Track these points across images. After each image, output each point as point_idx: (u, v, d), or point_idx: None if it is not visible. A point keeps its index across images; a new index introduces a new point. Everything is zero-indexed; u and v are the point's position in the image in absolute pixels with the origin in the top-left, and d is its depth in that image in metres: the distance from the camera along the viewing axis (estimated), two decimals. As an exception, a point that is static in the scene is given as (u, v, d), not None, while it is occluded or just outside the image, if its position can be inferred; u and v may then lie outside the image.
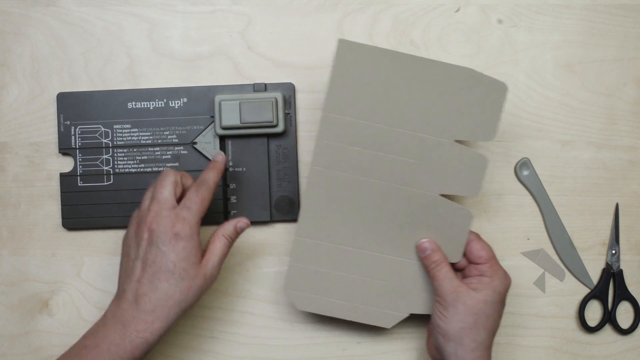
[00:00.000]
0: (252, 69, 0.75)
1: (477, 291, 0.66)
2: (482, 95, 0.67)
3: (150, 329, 0.63)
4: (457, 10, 0.76)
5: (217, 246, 0.66)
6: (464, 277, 0.69)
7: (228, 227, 0.67)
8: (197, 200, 0.65)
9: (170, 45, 0.76)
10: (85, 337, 0.65)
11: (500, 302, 0.67)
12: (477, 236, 0.69)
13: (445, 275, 0.67)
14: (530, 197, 0.76)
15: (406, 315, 0.71)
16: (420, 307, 0.71)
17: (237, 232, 0.67)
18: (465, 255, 0.69)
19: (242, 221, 0.68)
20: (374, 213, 0.69)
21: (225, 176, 0.74)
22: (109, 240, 0.75)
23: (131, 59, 0.75)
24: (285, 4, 0.76)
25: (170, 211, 0.64)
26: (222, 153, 0.71)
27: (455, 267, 0.69)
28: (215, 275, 0.66)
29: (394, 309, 0.71)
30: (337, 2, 0.76)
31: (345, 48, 0.66)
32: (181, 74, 0.75)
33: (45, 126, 0.75)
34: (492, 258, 0.68)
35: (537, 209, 0.76)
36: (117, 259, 0.74)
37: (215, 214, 0.73)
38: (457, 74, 0.66)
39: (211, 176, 0.67)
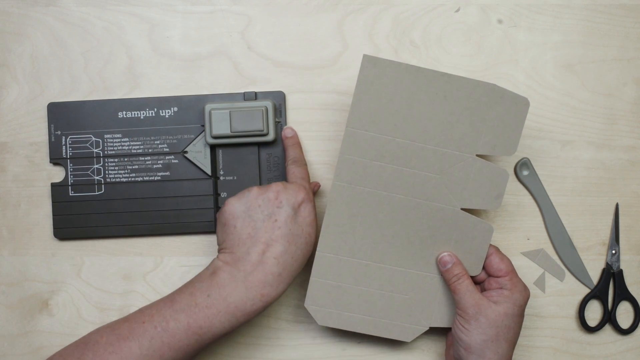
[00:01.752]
0: (252, 69, 0.75)
1: (498, 304, 0.66)
2: (504, 110, 0.67)
3: (274, 293, 0.64)
4: (457, 10, 0.76)
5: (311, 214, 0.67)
6: (484, 290, 0.70)
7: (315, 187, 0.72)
8: (304, 172, 0.70)
9: (170, 45, 0.76)
10: (192, 293, 0.64)
11: (520, 315, 0.67)
12: (497, 249, 0.70)
13: (467, 289, 0.67)
14: (530, 197, 0.76)
15: (426, 328, 0.71)
16: (440, 321, 0.71)
17: (314, 192, 0.72)
18: (484, 268, 0.70)
19: (314, 183, 0.73)
20: (395, 227, 0.69)
21: (216, 185, 0.74)
22: (108, 241, 0.75)
23: (131, 59, 0.75)
24: (285, 4, 0.76)
25: (291, 183, 0.67)
26: (290, 127, 0.74)
27: (474, 280, 0.70)
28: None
29: (414, 322, 0.71)
30: (337, 2, 0.76)
31: (370, 63, 0.66)
32: (181, 74, 0.75)
33: (46, 126, 0.75)
34: (512, 271, 0.68)
35: (537, 209, 0.76)
36: (117, 259, 0.75)
37: (205, 223, 0.74)
38: (479, 89, 0.67)
39: (298, 153, 0.73)
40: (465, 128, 0.68)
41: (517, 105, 0.68)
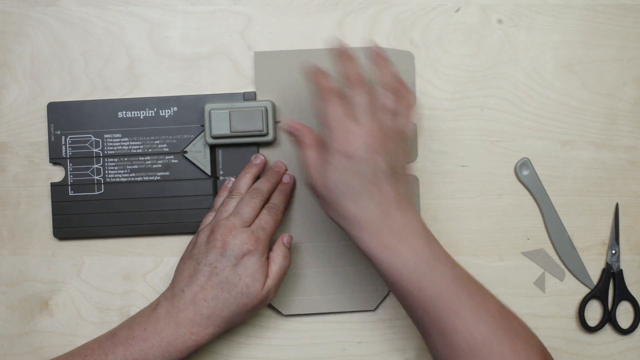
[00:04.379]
0: (252, 69, 0.75)
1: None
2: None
3: (203, 334, 0.65)
4: (457, 10, 0.76)
5: (274, 269, 0.68)
6: None
7: (279, 247, 0.69)
8: (272, 223, 0.68)
9: (170, 45, 0.76)
10: (131, 327, 0.66)
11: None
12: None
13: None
14: (530, 197, 0.76)
15: (386, 293, 0.74)
16: None
17: (288, 248, 0.70)
18: None
19: (285, 236, 0.70)
20: None
21: (216, 185, 0.74)
22: (108, 241, 0.75)
23: (131, 59, 0.75)
24: (285, 4, 0.76)
25: (247, 228, 0.67)
26: (289, 175, 0.73)
27: None
28: (271, 298, 0.68)
29: (373, 290, 0.74)
30: (337, 2, 0.76)
31: (262, 59, 0.74)
32: (181, 74, 0.75)
33: (46, 126, 0.75)
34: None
35: (537, 209, 0.76)
36: (117, 259, 0.75)
37: None
38: (364, 55, 0.70)
39: (281, 201, 0.71)
40: None
41: (404, 60, 0.74)
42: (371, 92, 0.63)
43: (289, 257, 0.69)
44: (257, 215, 0.68)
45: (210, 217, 0.71)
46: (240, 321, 0.67)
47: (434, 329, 0.61)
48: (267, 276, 0.67)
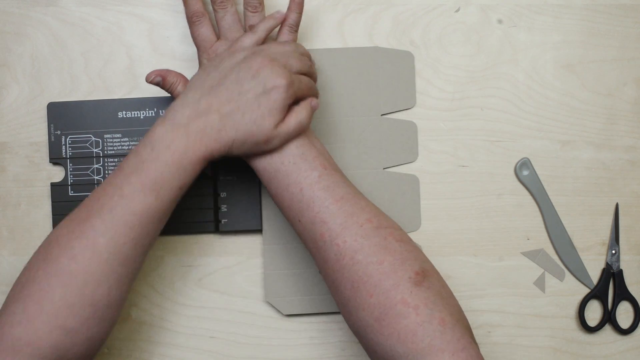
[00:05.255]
0: (252, 69, 0.75)
1: None
2: (393, 67, 0.74)
3: (212, 146, 0.62)
4: (457, 10, 0.76)
5: (292, 119, 0.64)
6: None
7: (307, 106, 0.65)
8: (307, 88, 0.66)
9: (170, 45, 0.76)
10: (137, 152, 0.62)
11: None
12: None
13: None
14: (530, 197, 0.76)
15: None
16: None
17: (313, 110, 0.66)
18: None
19: (314, 100, 0.66)
20: None
21: (216, 185, 0.74)
22: (109, 240, 0.75)
23: (131, 59, 0.75)
24: (285, 4, 0.75)
25: (288, 72, 0.64)
26: None
27: None
28: (276, 145, 0.64)
29: None
30: (337, 2, 0.76)
31: None
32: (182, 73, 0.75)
33: (45, 126, 0.75)
34: None
35: (537, 209, 0.76)
36: (117, 259, 0.75)
37: (205, 223, 0.74)
38: (364, 55, 0.73)
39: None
40: (363, 93, 0.74)
41: (404, 60, 0.74)
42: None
43: (310, 118, 0.66)
44: (300, 70, 0.66)
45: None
46: (242, 151, 0.64)
47: (307, 236, 0.64)
48: (282, 121, 0.63)
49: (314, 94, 0.67)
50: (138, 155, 0.62)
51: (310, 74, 0.67)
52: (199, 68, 0.69)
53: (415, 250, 0.63)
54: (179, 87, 0.68)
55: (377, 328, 0.59)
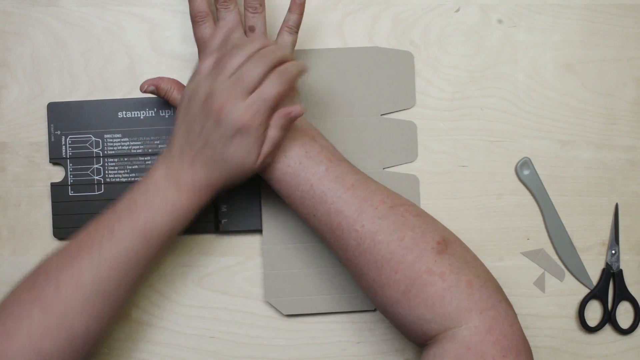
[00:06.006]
0: (252, 69, 0.75)
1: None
2: (392, 67, 0.74)
3: (205, 196, 0.64)
4: (457, 10, 0.76)
5: (269, 139, 0.63)
6: None
7: (279, 118, 0.63)
8: (275, 93, 0.62)
9: (170, 45, 0.76)
10: (131, 196, 0.63)
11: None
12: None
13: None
14: (530, 197, 0.76)
15: None
16: None
17: (290, 121, 0.63)
18: None
19: (296, 109, 0.63)
20: None
21: None
22: (109, 240, 0.75)
23: (131, 59, 0.75)
24: (285, 4, 0.75)
25: (246, 98, 0.62)
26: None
27: None
28: (268, 163, 0.65)
29: None
30: (337, 2, 0.76)
31: None
32: (181, 74, 0.75)
33: (46, 126, 0.75)
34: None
35: (537, 209, 0.76)
36: (117, 259, 0.75)
37: (205, 223, 0.74)
38: (364, 55, 0.74)
39: (295, 67, 0.64)
40: (363, 93, 0.74)
41: (403, 60, 0.74)
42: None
43: (285, 130, 0.64)
44: (262, 80, 0.62)
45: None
46: (239, 183, 0.65)
47: (323, 228, 0.64)
48: (261, 146, 0.63)
49: (291, 100, 0.65)
50: (132, 197, 0.64)
51: (283, 75, 0.63)
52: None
53: (433, 222, 0.64)
54: (174, 93, 0.68)
55: (404, 301, 0.60)
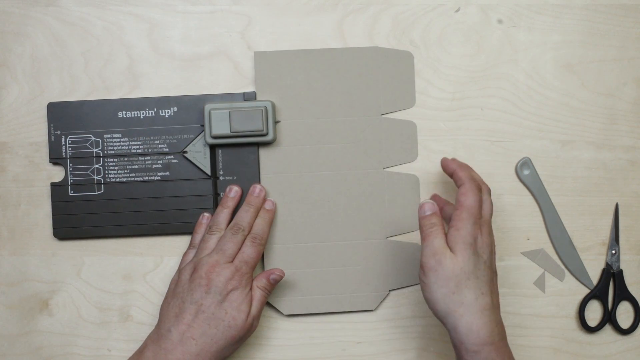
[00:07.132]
0: (252, 69, 0.75)
1: (456, 253, 0.63)
2: (392, 67, 0.74)
3: None
4: (457, 10, 0.76)
5: (255, 300, 0.69)
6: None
7: (262, 279, 0.70)
8: (254, 255, 0.69)
9: (170, 45, 0.76)
10: None
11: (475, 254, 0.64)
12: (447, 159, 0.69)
13: (436, 237, 0.64)
14: (530, 197, 0.76)
15: (387, 293, 0.74)
16: (398, 282, 0.74)
17: (272, 284, 0.70)
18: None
19: (275, 273, 0.70)
20: (329, 203, 0.74)
21: (216, 185, 0.74)
22: (108, 241, 0.75)
23: (131, 59, 0.75)
24: (285, 4, 0.76)
25: (230, 264, 0.68)
26: (271, 201, 0.73)
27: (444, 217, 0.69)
28: (256, 327, 0.69)
29: (373, 290, 0.74)
30: (337, 2, 0.76)
31: (262, 59, 0.74)
32: (181, 74, 0.75)
33: (45, 126, 0.75)
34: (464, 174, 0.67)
35: (537, 209, 0.76)
36: (117, 259, 0.75)
37: None
38: (364, 55, 0.74)
39: (265, 229, 0.71)
40: (363, 93, 0.74)
41: (403, 60, 0.75)
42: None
43: (269, 290, 0.70)
44: (239, 249, 0.69)
45: (190, 254, 0.71)
46: (229, 354, 0.68)
47: None
48: (250, 305, 0.68)
49: (261, 250, 0.71)
50: None
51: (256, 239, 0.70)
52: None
53: None
54: None
55: None
